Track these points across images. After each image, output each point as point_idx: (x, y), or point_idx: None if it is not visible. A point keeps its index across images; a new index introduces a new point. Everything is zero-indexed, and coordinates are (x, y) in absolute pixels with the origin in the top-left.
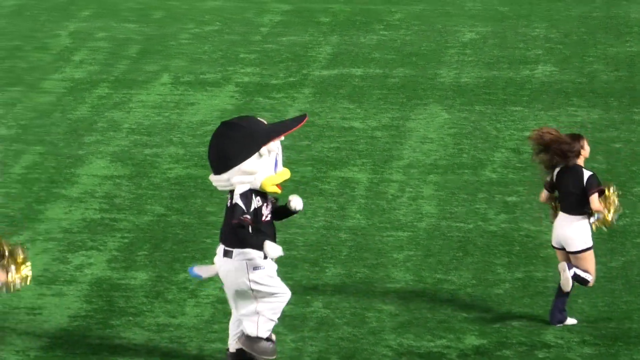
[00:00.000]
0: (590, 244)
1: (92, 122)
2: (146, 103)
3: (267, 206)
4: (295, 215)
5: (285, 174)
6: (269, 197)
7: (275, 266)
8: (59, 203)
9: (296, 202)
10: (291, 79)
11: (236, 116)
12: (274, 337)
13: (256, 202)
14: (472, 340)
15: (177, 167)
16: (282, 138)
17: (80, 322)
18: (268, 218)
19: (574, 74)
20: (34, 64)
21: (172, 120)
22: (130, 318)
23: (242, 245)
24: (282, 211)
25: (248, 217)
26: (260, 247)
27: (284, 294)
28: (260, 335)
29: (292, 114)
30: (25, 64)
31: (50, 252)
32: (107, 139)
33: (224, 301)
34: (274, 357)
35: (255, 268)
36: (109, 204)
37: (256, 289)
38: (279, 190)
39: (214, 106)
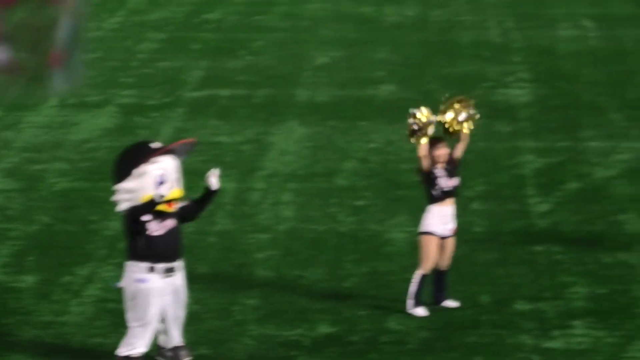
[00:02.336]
0: (425, 229)
1: None
2: (35, 123)
3: (159, 222)
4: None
5: (172, 194)
6: (171, 214)
7: (160, 285)
8: None
9: (211, 181)
10: (166, 99)
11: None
12: None
13: (144, 217)
14: (324, 329)
15: (63, 180)
16: (157, 159)
17: None
18: (158, 233)
19: (413, 93)
20: None
21: (58, 138)
22: (21, 317)
23: (132, 258)
24: (202, 199)
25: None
26: (146, 260)
27: (147, 322)
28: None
29: (166, 131)
30: None
31: None
32: (0, 156)
33: (104, 300)
34: None
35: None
36: (2, 215)
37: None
38: (165, 208)
39: (96, 125)
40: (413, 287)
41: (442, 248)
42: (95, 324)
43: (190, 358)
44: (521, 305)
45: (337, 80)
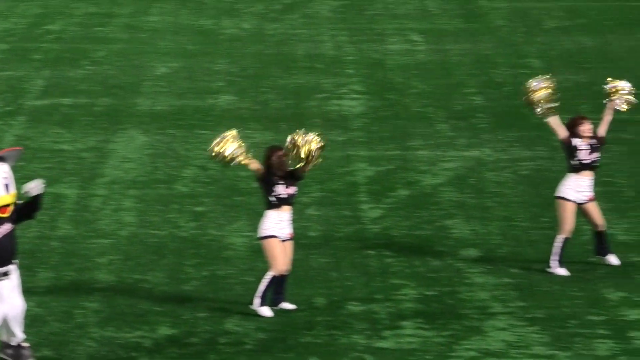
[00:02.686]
0: (263, 233)
1: None
2: None
3: None
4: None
5: (1, 200)
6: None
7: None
8: None
9: (29, 188)
10: (8, 108)
11: None
12: None
13: None
14: (164, 331)
15: None
16: None
17: None
18: None
19: (250, 102)
20: None
21: None
22: None
23: None
24: (27, 207)
25: None
26: None
27: None
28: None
29: (8, 139)
30: None
31: None
32: None
33: None
34: None
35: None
36: None
37: None
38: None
39: None
40: (262, 286)
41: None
42: None
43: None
44: (354, 307)
45: (177, 90)
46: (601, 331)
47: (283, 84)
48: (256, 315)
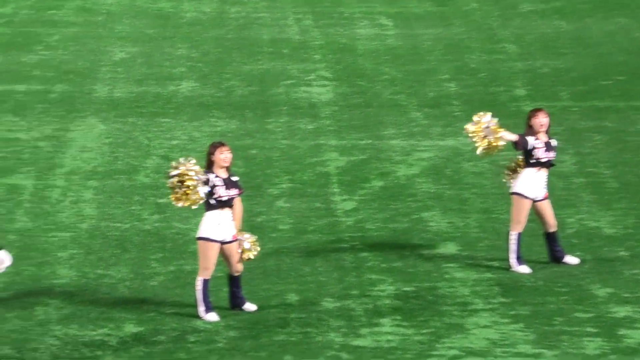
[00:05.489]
0: (202, 234)
1: None
2: None
3: None
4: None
5: None
6: None
7: None
8: None
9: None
10: None
11: None
12: None
13: None
14: (130, 328)
15: None
16: None
17: None
18: None
19: (213, 89)
20: None
21: None
22: None
23: None
24: None
25: None
26: None
27: None
28: None
29: None
30: None
31: None
32: None
33: None
34: None
35: None
36: None
37: None
38: None
39: None
40: (199, 294)
41: (226, 253)
42: None
43: None
44: (329, 304)
45: (136, 76)
46: (589, 329)
47: (247, 70)
48: (227, 312)
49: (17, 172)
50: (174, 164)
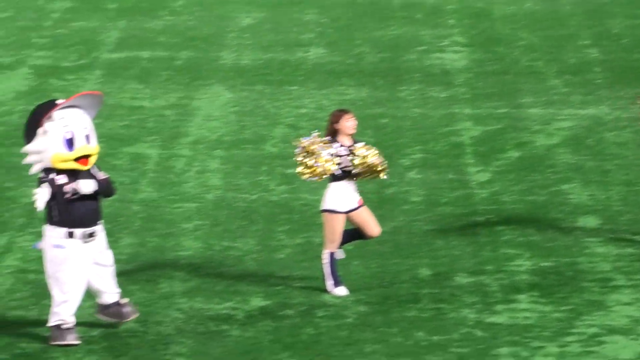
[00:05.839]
0: (325, 206)
1: None
2: None
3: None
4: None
5: (81, 150)
6: (89, 173)
7: (80, 250)
8: None
9: (81, 185)
10: (82, 61)
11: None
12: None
13: (56, 180)
14: (257, 302)
15: None
16: (61, 115)
17: None
18: (75, 196)
19: (343, 56)
20: None
21: None
22: None
23: (50, 222)
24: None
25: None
26: (64, 226)
27: (70, 282)
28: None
29: None
30: None
31: None
32: None
33: (24, 271)
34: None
35: (56, 246)
36: None
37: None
38: (78, 166)
39: (9, 88)
40: (326, 268)
41: (357, 220)
42: (15, 296)
43: (138, 314)
44: (462, 279)
45: (263, 43)
46: None
47: (378, 36)
48: (357, 286)
49: (142, 141)
50: (300, 139)
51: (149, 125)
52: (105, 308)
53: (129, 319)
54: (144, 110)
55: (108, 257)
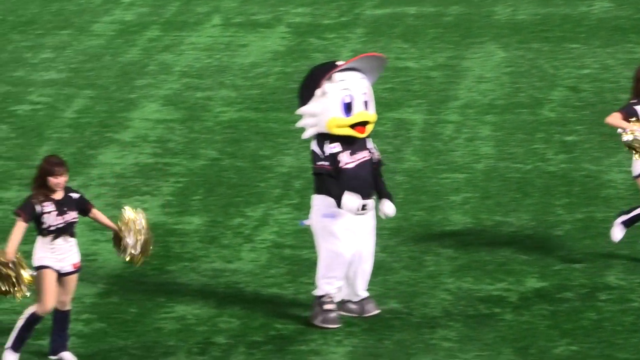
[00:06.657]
0: None
1: (143, 65)
2: (197, 45)
3: (350, 153)
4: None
5: (359, 116)
6: (364, 144)
7: (351, 220)
8: (112, 148)
9: (386, 209)
10: (343, 18)
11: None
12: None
13: (330, 148)
14: (532, 283)
15: (230, 110)
16: (341, 77)
17: (136, 268)
18: (350, 166)
19: (631, 10)
20: (83, 7)
21: (223, 62)
22: (186, 264)
23: (319, 192)
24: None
25: (325, 164)
26: (337, 197)
27: (340, 254)
28: (316, 293)
29: (345, 54)
30: (74, 7)
31: (104, 198)
32: (159, 82)
33: (280, 246)
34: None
35: (325, 216)
36: (162, 148)
37: (317, 239)
38: (354, 133)
39: (265, 47)
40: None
41: None
42: (270, 273)
43: (379, 311)
44: None
45: None
46: None
47: None
48: None
49: (406, 106)
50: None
51: (415, 88)
52: (347, 302)
53: (369, 315)
54: (410, 72)
55: (370, 250)
